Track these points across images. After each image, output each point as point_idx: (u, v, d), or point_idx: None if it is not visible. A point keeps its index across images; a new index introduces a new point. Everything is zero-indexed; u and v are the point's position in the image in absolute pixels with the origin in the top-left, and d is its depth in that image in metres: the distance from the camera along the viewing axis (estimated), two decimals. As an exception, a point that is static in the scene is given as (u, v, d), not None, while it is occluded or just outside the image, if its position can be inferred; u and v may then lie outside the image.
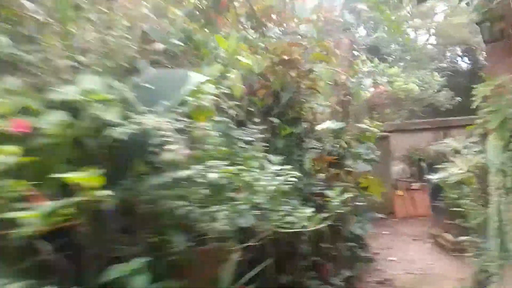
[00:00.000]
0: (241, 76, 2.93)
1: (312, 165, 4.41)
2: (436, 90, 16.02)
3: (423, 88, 16.30)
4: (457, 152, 5.21)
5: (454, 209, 6.21)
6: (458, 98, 16.28)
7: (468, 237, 4.61)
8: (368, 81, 4.88)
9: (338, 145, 4.86)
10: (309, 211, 2.23)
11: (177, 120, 1.77)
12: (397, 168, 8.31)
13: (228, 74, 2.53)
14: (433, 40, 20.64)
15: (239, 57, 2.48)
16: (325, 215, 2.83)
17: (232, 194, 1.87)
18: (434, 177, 6.99)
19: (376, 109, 16.33)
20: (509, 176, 2.72)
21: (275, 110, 3.58)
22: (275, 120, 3.46)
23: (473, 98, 3.01)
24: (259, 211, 2.00)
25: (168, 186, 1.61)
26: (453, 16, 19.45)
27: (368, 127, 5.44)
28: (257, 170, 2.02)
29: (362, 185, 5.60)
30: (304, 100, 3.85)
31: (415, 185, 8.22)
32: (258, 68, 2.90)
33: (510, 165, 2.71)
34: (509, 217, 2.70)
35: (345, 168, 5.03)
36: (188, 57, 2.52)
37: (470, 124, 8.00)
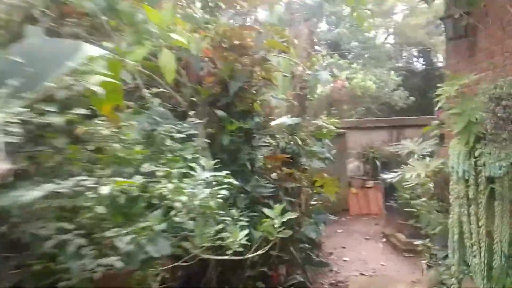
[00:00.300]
0: (180, 59, 2.46)
1: (264, 163, 4.04)
2: (392, 89, 16.37)
3: (380, 86, 16.62)
4: (413, 154, 5.08)
5: (407, 209, 6.16)
6: (412, 98, 16.79)
7: (422, 241, 4.49)
8: (326, 75, 4.54)
9: (293, 142, 4.51)
10: (243, 234, 1.83)
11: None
12: (352, 165, 8.22)
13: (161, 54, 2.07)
14: (391, 39, 21.09)
15: (172, 35, 2.01)
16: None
17: (141, 213, 1.43)
18: (388, 176, 6.94)
19: (334, 105, 16.43)
20: (472, 186, 2.50)
21: (223, 101, 3.14)
22: (221, 113, 3.02)
23: (437, 99, 2.76)
24: (180, 233, 1.58)
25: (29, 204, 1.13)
26: (411, 16, 19.95)
27: (324, 123, 5.15)
28: (181, 179, 1.59)
29: (317, 184, 5.35)
30: (256, 92, 3.44)
31: (369, 183, 8.17)
32: (195, 49, 2.45)
33: (473, 174, 2.49)
34: (471, 229, 2.49)
35: (300, 167, 4.71)
36: (108, 29, 2.02)
37: (425, 125, 8.06)
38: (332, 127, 4.97)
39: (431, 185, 3.79)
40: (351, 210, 8.58)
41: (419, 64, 21.46)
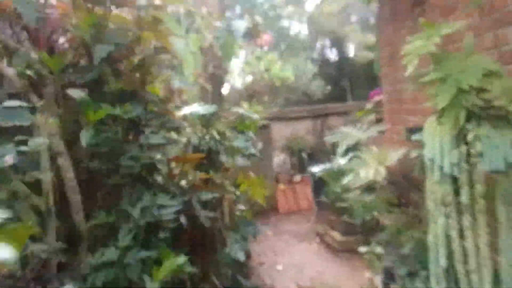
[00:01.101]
0: None
1: (169, 168, 2.93)
2: (309, 79, 16.23)
3: (298, 76, 16.39)
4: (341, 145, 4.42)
5: (339, 204, 5.54)
6: (329, 87, 16.87)
7: (367, 246, 3.81)
8: (242, 24, 3.55)
9: (208, 137, 3.46)
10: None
11: None
12: (278, 159, 7.48)
13: None
14: (305, 29, 21.11)
15: None
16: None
17: None
18: (316, 169, 6.27)
19: (255, 97, 15.77)
20: (465, 186, 1.73)
21: (87, 76, 1.95)
22: (77, 94, 1.83)
23: (405, 61, 1.94)
24: None
25: None
26: (324, 5, 20.10)
27: (247, 113, 4.18)
28: None
29: (242, 187, 4.39)
30: (144, 66, 2.30)
31: (297, 178, 7.52)
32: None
33: (466, 168, 1.72)
34: (465, 250, 1.73)
35: (219, 167, 3.69)
36: None
37: (347, 112, 7.67)
38: (256, 117, 4.03)
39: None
40: (280, 208, 7.84)
41: (332, 55, 21.86)
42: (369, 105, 4.59)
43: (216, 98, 3.98)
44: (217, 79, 3.82)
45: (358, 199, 3.77)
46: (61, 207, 2.10)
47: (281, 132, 7.63)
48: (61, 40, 2.09)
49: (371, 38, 19.11)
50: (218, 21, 3.37)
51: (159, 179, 2.55)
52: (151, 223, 2.15)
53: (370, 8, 19.30)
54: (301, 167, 7.59)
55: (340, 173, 4.41)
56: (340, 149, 4.70)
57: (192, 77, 3.50)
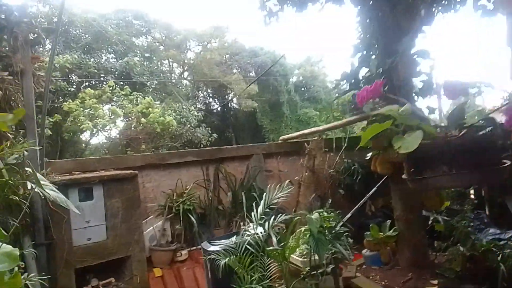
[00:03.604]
0: None
1: None
2: (194, 126, 14.37)
3: (182, 123, 14.36)
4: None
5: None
6: (215, 135, 15.19)
7: None
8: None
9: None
10: None
11: None
12: (154, 228, 4.80)
13: None
14: (187, 75, 19.48)
15: None
16: None
17: None
18: (212, 245, 3.77)
19: (130, 145, 12.82)
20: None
21: None
22: None
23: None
24: None
25: None
26: (204, 52, 18.92)
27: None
28: None
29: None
30: None
31: (182, 254, 4.91)
32: None
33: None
34: None
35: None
36: None
37: (250, 155, 5.65)
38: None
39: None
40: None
41: (215, 104, 20.54)
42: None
43: None
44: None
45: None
46: None
47: (158, 185, 5.13)
48: None
49: (253, 88, 18.59)
50: None
51: None
52: None
53: (252, 60, 18.75)
54: (189, 237, 5.03)
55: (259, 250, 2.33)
56: (256, 211, 2.63)
57: None
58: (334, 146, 5.20)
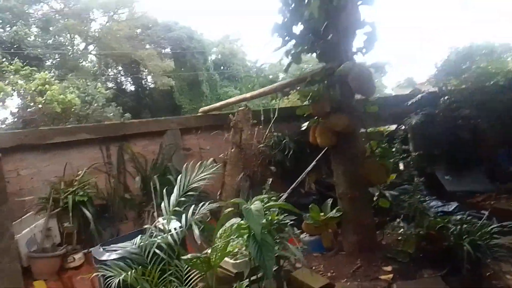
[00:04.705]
0: None
1: None
2: (102, 105, 12.62)
3: (86, 101, 12.52)
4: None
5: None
6: (128, 115, 13.64)
7: None
8: None
9: None
10: None
11: None
12: (31, 229, 3.54)
13: None
14: (92, 48, 17.16)
15: None
16: None
17: None
18: (106, 253, 2.66)
19: (27, 126, 10.70)
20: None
21: None
22: None
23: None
24: None
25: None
26: (111, 22, 16.85)
27: None
28: None
29: None
30: None
31: (76, 259, 3.72)
32: None
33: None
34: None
35: None
36: None
37: (164, 131, 4.55)
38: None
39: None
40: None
41: (129, 84, 18.60)
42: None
43: None
44: None
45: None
46: None
47: (38, 172, 3.80)
48: None
49: (170, 65, 17.10)
50: None
51: None
52: None
53: (166, 35, 17.18)
54: (84, 237, 3.84)
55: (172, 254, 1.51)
56: (168, 201, 1.75)
57: None
58: (262, 119, 4.46)
